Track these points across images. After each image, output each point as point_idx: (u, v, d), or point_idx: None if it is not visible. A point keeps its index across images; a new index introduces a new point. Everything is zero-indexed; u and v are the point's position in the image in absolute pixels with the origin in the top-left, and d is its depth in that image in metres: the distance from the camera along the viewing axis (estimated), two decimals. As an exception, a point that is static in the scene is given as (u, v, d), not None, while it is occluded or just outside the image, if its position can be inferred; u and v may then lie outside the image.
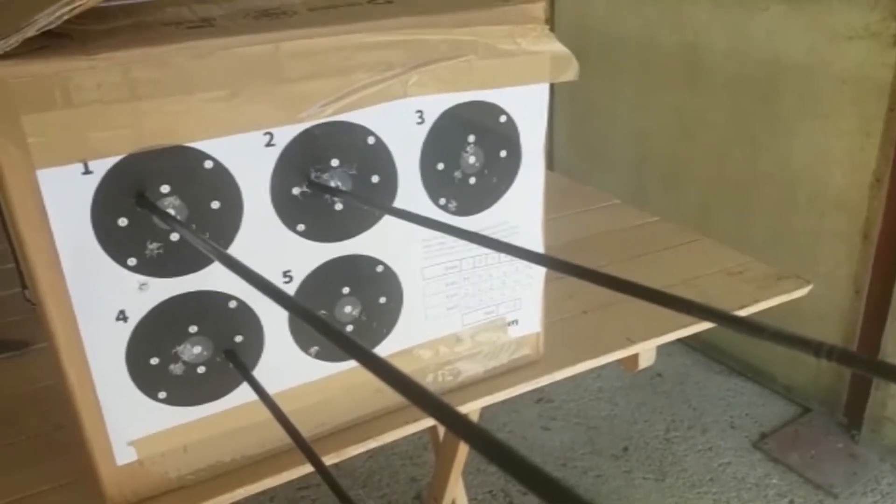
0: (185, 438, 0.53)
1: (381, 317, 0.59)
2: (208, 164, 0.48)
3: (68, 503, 0.54)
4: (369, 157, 0.54)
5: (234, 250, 0.51)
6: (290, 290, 0.54)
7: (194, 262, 0.50)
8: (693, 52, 1.76)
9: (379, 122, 0.53)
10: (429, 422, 0.64)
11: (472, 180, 0.59)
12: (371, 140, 0.54)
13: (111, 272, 0.47)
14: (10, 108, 0.41)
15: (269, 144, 0.50)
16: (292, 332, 0.55)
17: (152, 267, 0.48)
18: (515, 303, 0.65)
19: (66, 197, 0.44)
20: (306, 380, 0.57)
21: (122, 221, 0.46)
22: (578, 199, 1.08)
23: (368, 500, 1.49)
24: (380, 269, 0.58)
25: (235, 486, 0.54)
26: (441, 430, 1.20)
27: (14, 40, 0.40)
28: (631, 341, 0.71)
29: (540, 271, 0.65)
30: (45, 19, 0.40)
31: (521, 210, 0.63)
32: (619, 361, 0.73)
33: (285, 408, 0.48)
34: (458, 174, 0.58)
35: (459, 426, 0.21)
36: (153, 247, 0.48)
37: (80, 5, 0.40)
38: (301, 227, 0.53)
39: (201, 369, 0.52)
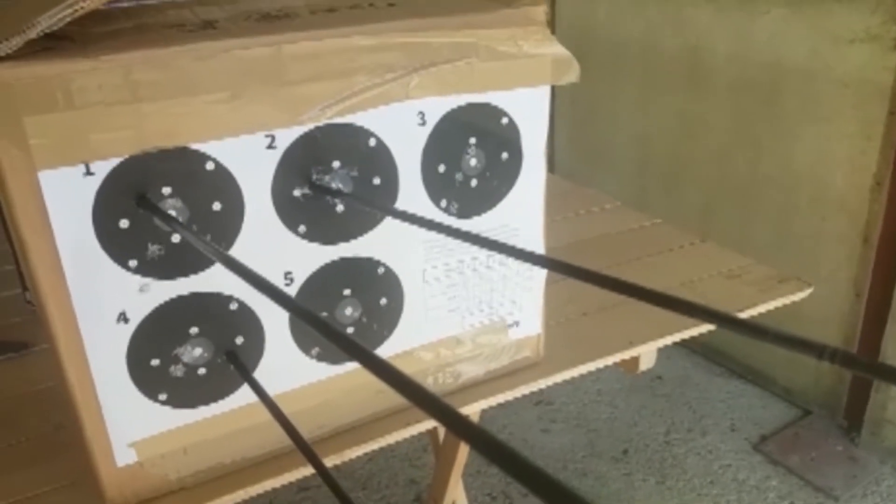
0: (185, 440, 0.53)
1: (381, 319, 0.59)
2: (210, 166, 0.48)
3: (68, 504, 0.54)
4: (371, 158, 0.54)
5: (236, 252, 0.51)
6: (291, 291, 0.54)
7: (195, 264, 0.50)
8: (694, 56, 1.76)
9: (380, 124, 0.53)
10: (429, 423, 0.64)
11: (474, 182, 0.59)
12: (372, 142, 0.54)
13: (112, 273, 0.47)
14: (12, 110, 0.41)
15: (270, 146, 0.50)
16: (293, 333, 0.55)
17: (153, 268, 0.48)
18: (516, 305, 0.65)
19: (67, 198, 0.44)
20: (307, 381, 0.57)
21: (124, 223, 0.46)
22: (579, 201, 1.08)
23: (368, 502, 1.49)
24: (381, 270, 0.58)
25: (235, 488, 0.54)
26: (441, 431, 1.20)
27: (16, 42, 0.40)
28: (632, 343, 0.71)
29: (541, 273, 0.65)
30: (47, 21, 0.40)
31: (522, 212, 0.63)
32: (620, 364, 0.73)
33: (286, 409, 0.48)
34: (459, 176, 0.59)
35: (461, 427, 0.21)
36: (154, 248, 0.48)
37: (82, 8, 0.40)
38: (302, 228, 0.53)
39: (202, 371, 0.52)
